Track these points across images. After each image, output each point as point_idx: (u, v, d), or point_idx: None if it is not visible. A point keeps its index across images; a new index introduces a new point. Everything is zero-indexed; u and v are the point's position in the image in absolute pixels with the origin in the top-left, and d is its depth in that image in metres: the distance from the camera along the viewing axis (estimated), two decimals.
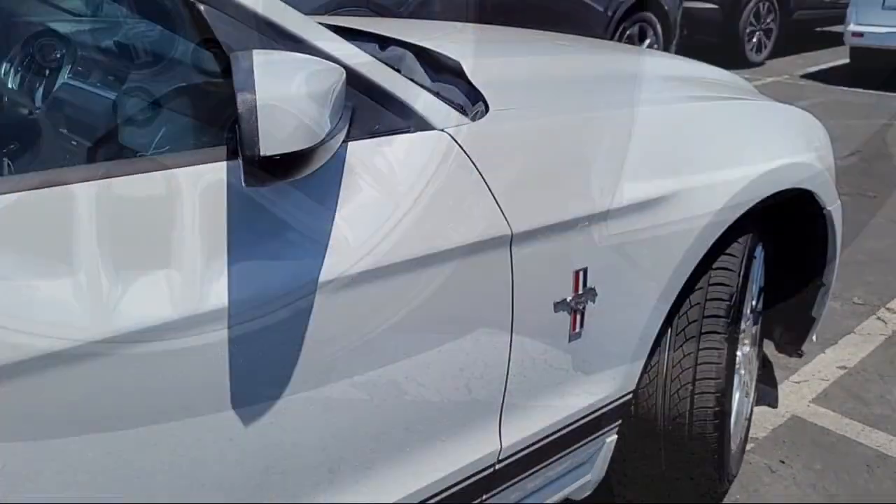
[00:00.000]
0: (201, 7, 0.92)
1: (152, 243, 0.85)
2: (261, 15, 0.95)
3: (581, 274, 1.26)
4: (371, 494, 1.09)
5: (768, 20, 7.49)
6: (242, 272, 0.88)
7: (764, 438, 2.03)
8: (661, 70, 1.85)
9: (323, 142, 0.82)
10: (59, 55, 1.72)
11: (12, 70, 1.90)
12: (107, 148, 1.39)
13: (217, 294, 0.87)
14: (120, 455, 0.85)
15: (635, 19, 5.84)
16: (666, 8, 6.04)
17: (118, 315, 0.81)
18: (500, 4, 4.75)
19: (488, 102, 1.25)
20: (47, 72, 1.75)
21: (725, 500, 1.79)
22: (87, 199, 0.82)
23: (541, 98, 1.35)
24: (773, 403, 2.18)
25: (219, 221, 0.88)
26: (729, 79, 2.06)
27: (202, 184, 0.89)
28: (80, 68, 1.61)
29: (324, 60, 0.92)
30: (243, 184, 0.79)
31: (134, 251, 0.84)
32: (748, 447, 1.96)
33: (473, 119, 1.19)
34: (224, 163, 0.91)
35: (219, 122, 1.08)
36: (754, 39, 7.42)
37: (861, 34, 6.48)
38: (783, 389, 2.25)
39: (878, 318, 2.65)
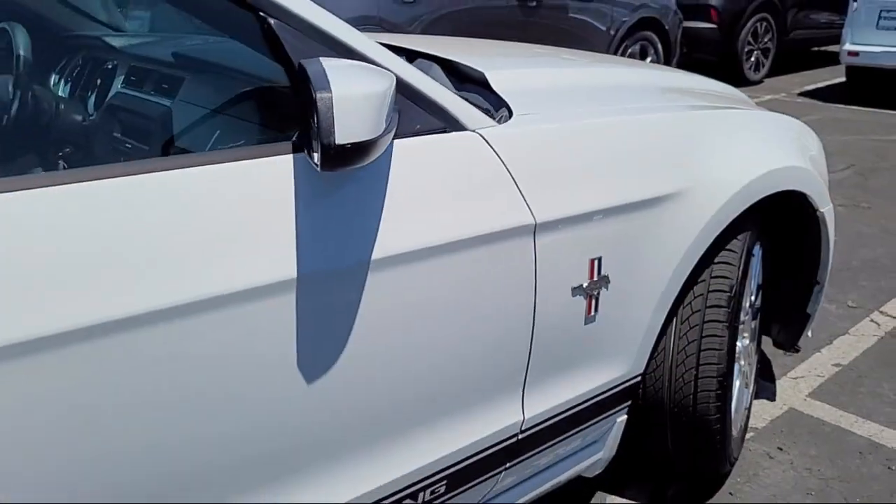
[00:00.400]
0: (271, 21, 1.06)
1: (227, 223, 0.99)
2: (322, 29, 1.09)
3: (596, 262, 1.39)
4: (410, 455, 1.22)
5: (766, 39, 7.68)
6: (305, 248, 1.02)
7: (762, 428, 2.15)
8: (665, 81, 1.99)
9: (382, 135, 0.96)
10: (111, 66, 1.87)
11: (62, 81, 2.05)
12: (163, 149, 1.53)
13: (286, 265, 1.00)
14: (207, 405, 0.98)
15: (637, 38, 6.02)
16: (666, 27, 6.22)
17: (203, 281, 0.94)
18: (508, 22, 4.93)
19: (512, 108, 1.39)
20: (98, 81, 1.90)
21: (727, 482, 1.92)
22: (173, 181, 0.96)
23: (559, 105, 1.49)
24: (771, 397, 2.30)
25: (286, 204, 1.02)
26: (729, 92, 2.21)
27: (270, 172, 1.03)
28: (133, 78, 1.75)
29: (377, 67, 1.06)
30: (319, 168, 0.93)
31: (215, 228, 0.97)
32: (748, 436, 2.09)
33: (499, 122, 1.33)
34: (290, 155, 1.05)
35: (278, 124, 1.23)
36: (752, 58, 7.60)
37: (857, 53, 6.67)
38: (781, 385, 2.38)
39: (871, 321, 2.79)
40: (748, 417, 2.04)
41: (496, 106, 1.42)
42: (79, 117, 1.84)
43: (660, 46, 6.26)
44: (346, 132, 0.91)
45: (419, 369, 1.20)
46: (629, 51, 5.98)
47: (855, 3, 6.69)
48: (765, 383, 2.36)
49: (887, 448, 2.06)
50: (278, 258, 1.00)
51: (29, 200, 0.86)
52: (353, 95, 0.92)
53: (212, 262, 0.95)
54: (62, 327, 0.85)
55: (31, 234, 0.85)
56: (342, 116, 0.90)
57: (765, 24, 7.61)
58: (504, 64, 1.77)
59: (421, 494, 1.26)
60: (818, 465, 1.99)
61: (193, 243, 0.95)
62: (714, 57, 7.32)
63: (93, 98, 1.88)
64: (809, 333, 2.16)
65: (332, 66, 0.95)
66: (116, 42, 1.95)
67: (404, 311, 1.15)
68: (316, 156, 0.93)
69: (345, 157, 0.93)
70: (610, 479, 1.87)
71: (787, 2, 7.76)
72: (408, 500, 1.24)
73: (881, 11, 6.52)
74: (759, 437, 2.11)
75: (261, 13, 1.06)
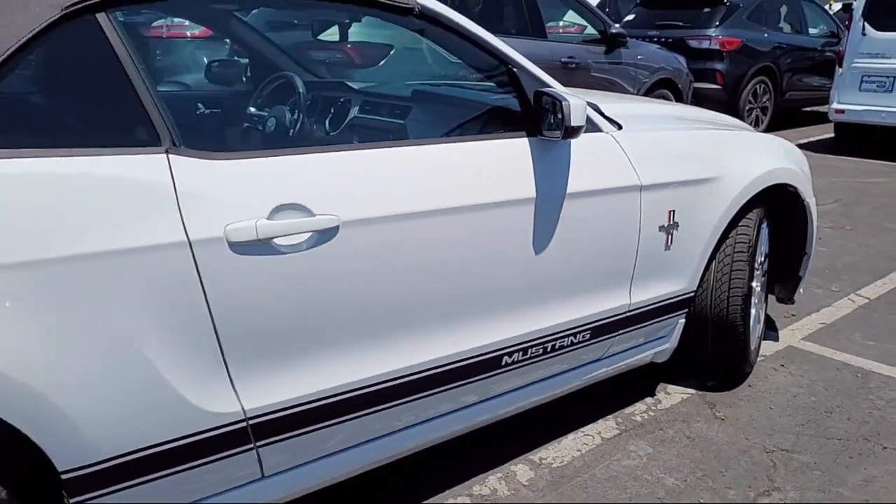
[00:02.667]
0: (514, 69, 2.06)
1: (504, 166, 1.96)
2: (537, 75, 2.09)
3: (672, 212, 2.37)
4: (576, 309, 2.17)
5: (764, 99, 8.79)
6: (538, 180, 1.99)
7: (769, 355, 3.09)
8: (697, 114, 3.00)
9: (582, 125, 1.95)
10: (346, 99, 2.85)
11: (299, 113, 3.04)
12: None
13: (528, 188, 1.98)
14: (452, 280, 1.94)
15: (655, 95, 7.11)
16: (680, 86, 7.32)
17: (500, 190, 1.91)
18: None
19: (620, 123, 2.39)
20: (332, 110, 2.89)
21: (747, 380, 2.85)
22: (452, 151, 1.93)
23: (644, 123, 2.49)
24: (775, 339, 3.25)
25: (529, 158, 2.00)
26: (737, 122, 3.21)
27: (519, 144, 2.01)
28: (367, 107, 2.74)
29: (577, 95, 2.05)
30: (560, 139, 1.93)
31: (497, 170, 1.95)
32: (759, 360, 3.02)
33: (618, 130, 2.32)
34: (525, 138, 2.03)
35: (498, 125, 2.21)
36: (752, 115, 8.69)
37: (842, 111, 7.75)
38: (782, 333, 3.32)
39: (849, 299, 3.75)
40: (759, 345, 2.98)
41: (609, 122, 2.42)
42: (321, 134, 2.82)
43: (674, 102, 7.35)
44: (575, 119, 1.90)
45: (582, 262, 2.16)
46: None
47: (840, 69, 7.80)
48: (770, 333, 3.31)
49: (854, 367, 3.00)
50: (526, 184, 1.98)
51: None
52: (574, 104, 1.91)
53: (500, 179, 1.93)
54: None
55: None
56: (573, 112, 1.90)
57: (763, 86, 8.72)
58: (605, 100, 2.77)
59: (581, 335, 2.21)
60: (808, 375, 2.93)
61: (483, 173, 1.92)
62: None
63: (328, 121, 2.86)
64: (801, 290, 3.12)
65: (560, 91, 1.95)
66: (355, 85, 2.96)
67: (577, 225, 2.11)
68: (558, 133, 1.92)
69: (571, 132, 1.93)
70: (670, 371, 2.81)
71: (783, 67, 8.90)
72: (571, 337, 2.19)
73: (863, 76, 7.63)
74: (767, 360, 3.05)
75: (509, 66, 2.06)
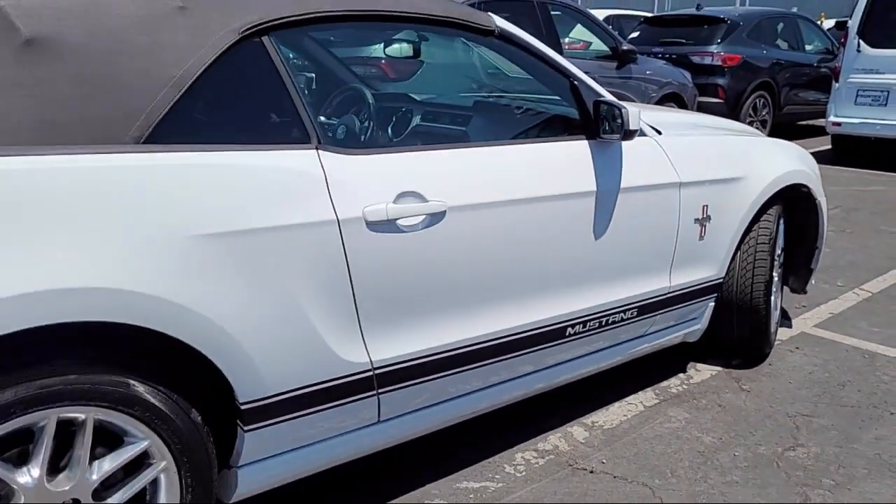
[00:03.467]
0: (575, 82, 2.40)
1: (564, 162, 2.30)
2: (595, 89, 2.44)
3: (705, 207, 2.72)
4: (615, 293, 2.50)
5: (763, 113, 9.19)
6: (598, 176, 2.34)
7: (785, 339, 3.43)
8: (719, 122, 3.36)
9: (637, 130, 2.30)
10: (406, 109, 3.20)
11: (358, 119, 3.38)
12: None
13: (589, 182, 2.32)
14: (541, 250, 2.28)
15: None
16: (685, 99, 7.71)
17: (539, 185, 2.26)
18: None
19: (660, 130, 2.74)
20: (394, 118, 3.23)
21: (767, 360, 3.19)
22: (533, 149, 2.28)
23: (680, 129, 2.84)
24: (789, 326, 3.59)
25: (588, 155, 2.34)
26: (752, 129, 3.57)
27: (579, 144, 2.36)
28: (430, 116, 3.08)
29: (632, 104, 2.40)
30: (620, 140, 2.27)
31: (562, 165, 2.29)
32: (776, 343, 3.36)
33: (659, 135, 2.67)
34: (585, 141, 2.38)
35: (557, 130, 2.56)
36: (753, 128, 9.08)
37: (839, 124, 8.15)
38: (795, 321, 3.66)
39: (853, 293, 4.10)
40: (777, 329, 3.32)
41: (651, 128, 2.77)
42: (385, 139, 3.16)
43: None
44: (633, 124, 2.25)
45: (632, 247, 2.50)
46: None
47: (837, 84, 8.20)
48: (784, 321, 3.65)
49: (862, 349, 3.34)
50: (588, 179, 2.32)
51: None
52: (632, 112, 2.26)
53: (567, 175, 2.27)
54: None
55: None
56: (631, 118, 2.25)
57: (762, 100, 9.13)
58: (641, 109, 3.13)
59: (629, 312, 2.54)
60: (821, 356, 3.28)
61: (553, 169, 2.27)
62: None
63: (390, 127, 3.20)
64: (813, 281, 3.47)
65: (617, 100, 2.30)
66: (417, 98, 3.30)
67: (628, 214, 2.45)
68: (617, 136, 2.27)
69: (629, 135, 2.27)
70: (698, 352, 3.15)
71: (781, 82, 9.31)
72: (622, 314, 2.53)
73: (858, 91, 8.03)
74: (783, 344, 3.39)
75: (571, 80, 2.41)
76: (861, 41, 7.95)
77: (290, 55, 1.83)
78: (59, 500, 1.50)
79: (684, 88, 7.71)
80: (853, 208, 6.12)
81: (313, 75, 3.08)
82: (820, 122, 9.41)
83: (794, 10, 11.03)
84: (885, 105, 7.82)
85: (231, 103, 1.78)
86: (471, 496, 2.23)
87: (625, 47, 7.01)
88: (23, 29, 1.54)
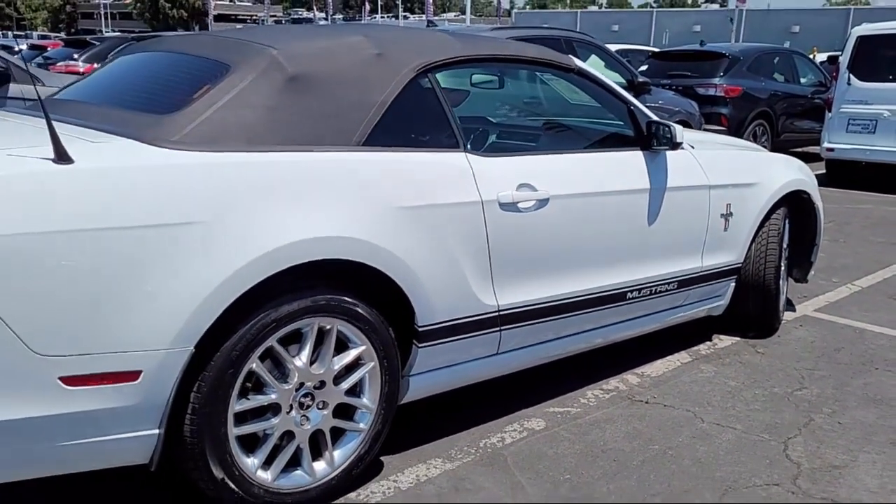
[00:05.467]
0: (631, 107, 3.17)
1: (624, 167, 3.07)
2: (645, 112, 3.21)
3: (729, 205, 3.48)
4: (662, 268, 3.24)
5: (762, 140, 10.02)
6: (652, 178, 3.10)
7: (791, 319, 4.18)
8: (734, 141, 4.14)
9: (682, 142, 3.06)
10: (481, 129, 3.96)
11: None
12: None
13: (643, 182, 3.08)
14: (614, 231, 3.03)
15: None
16: (693, 127, 8.52)
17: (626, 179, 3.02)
18: None
19: (693, 145, 3.50)
20: (472, 136, 4.00)
21: (776, 334, 3.92)
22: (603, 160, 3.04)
23: (706, 144, 3.61)
24: (792, 310, 4.34)
25: (643, 162, 3.10)
26: (756, 146, 4.34)
27: (635, 155, 3.12)
28: (504, 136, 3.85)
29: (676, 124, 3.16)
30: (669, 150, 3.05)
31: (618, 167, 3.06)
32: (783, 321, 4.10)
33: (692, 148, 3.44)
34: (640, 151, 3.14)
35: (629, 141, 3.32)
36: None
37: (832, 150, 8.97)
38: (798, 307, 4.41)
39: (847, 287, 4.86)
40: (784, 310, 4.06)
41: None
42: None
43: None
44: (680, 138, 3.02)
45: (674, 232, 3.25)
46: None
47: (830, 114, 9.03)
48: (789, 307, 4.40)
49: (854, 327, 4.08)
50: (643, 179, 3.08)
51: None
52: (679, 129, 3.04)
53: (629, 175, 3.03)
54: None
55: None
56: (678, 134, 3.02)
57: (761, 128, 9.96)
58: None
59: (671, 284, 3.29)
60: (820, 331, 4.02)
61: (620, 170, 3.03)
62: None
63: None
64: (812, 272, 4.23)
65: (666, 120, 3.07)
66: (493, 119, 4.08)
67: (672, 207, 3.21)
68: (667, 147, 3.04)
69: (676, 146, 3.05)
70: (721, 325, 3.90)
71: (778, 112, 10.16)
72: (666, 285, 3.27)
73: (849, 120, 8.86)
74: (789, 322, 4.14)
75: (628, 105, 3.18)
76: (851, 75, 8.79)
77: (444, 85, 2.61)
78: (315, 380, 2.24)
79: (692, 117, 8.52)
80: (845, 222, 6.90)
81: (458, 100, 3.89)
82: (813, 148, 10.24)
83: (787, 44, 11.91)
84: (874, 132, 8.64)
85: (412, 119, 2.54)
86: (558, 416, 2.96)
87: (640, 79, 7.83)
88: (288, 68, 2.30)
